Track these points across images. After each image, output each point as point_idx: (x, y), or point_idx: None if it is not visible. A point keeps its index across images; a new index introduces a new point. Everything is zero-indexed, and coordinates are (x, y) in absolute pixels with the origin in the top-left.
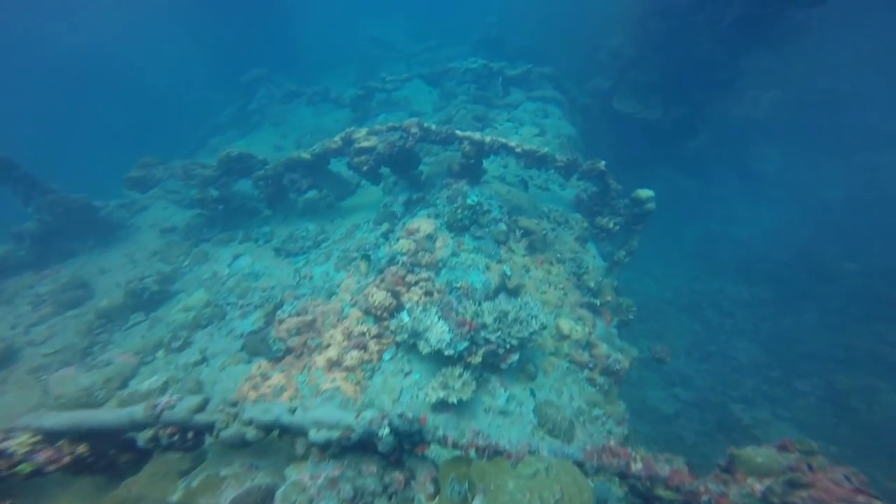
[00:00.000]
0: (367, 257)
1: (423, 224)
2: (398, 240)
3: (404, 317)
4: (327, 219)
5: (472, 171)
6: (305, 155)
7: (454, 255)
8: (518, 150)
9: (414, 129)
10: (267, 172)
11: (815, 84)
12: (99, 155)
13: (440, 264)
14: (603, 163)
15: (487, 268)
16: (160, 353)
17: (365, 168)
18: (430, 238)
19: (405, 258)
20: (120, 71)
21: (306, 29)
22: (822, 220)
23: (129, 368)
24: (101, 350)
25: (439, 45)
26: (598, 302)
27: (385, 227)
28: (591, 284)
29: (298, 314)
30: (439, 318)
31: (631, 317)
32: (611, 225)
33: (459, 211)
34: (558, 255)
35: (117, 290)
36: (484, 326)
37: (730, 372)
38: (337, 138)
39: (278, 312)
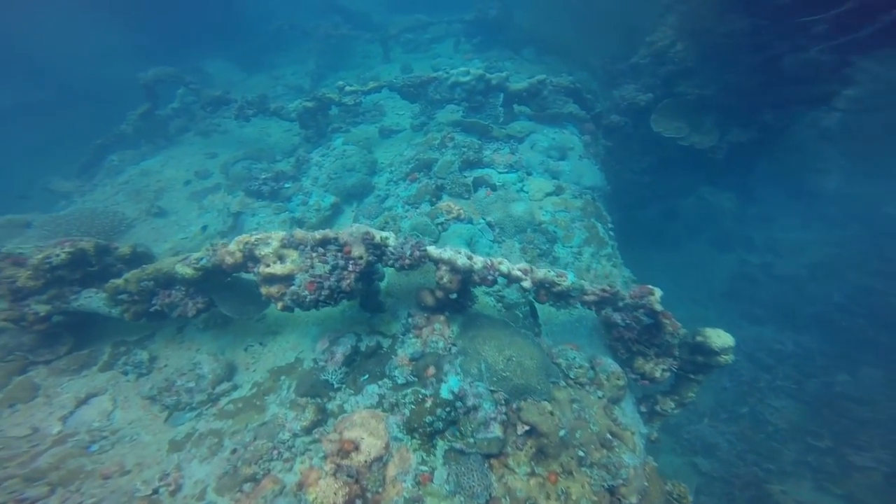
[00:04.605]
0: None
1: (366, 435)
2: (321, 480)
3: None
4: (239, 342)
5: (454, 305)
6: (185, 270)
7: (415, 500)
8: (525, 281)
9: (358, 251)
10: (128, 286)
11: None
12: None
13: None
14: (657, 294)
15: None
16: None
17: (280, 305)
18: (378, 463)
19: None
20: None
21: None
22: (886, 246)
23: None
24: None
25: (425, 24)
26: None
27: (310, 413)
28: (633, 500)
29: None
30: None
31: None
32: (657, 373)
33: (429, 409)
34: (581, 454)
35: None
36: None
37: (764, 439)
38: (234, 248)
39: None
